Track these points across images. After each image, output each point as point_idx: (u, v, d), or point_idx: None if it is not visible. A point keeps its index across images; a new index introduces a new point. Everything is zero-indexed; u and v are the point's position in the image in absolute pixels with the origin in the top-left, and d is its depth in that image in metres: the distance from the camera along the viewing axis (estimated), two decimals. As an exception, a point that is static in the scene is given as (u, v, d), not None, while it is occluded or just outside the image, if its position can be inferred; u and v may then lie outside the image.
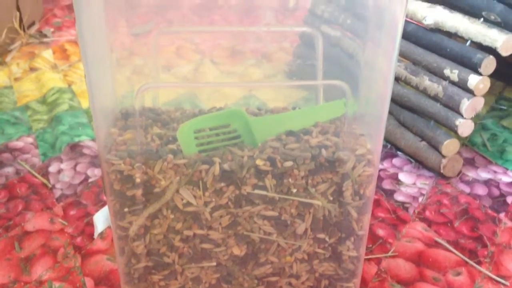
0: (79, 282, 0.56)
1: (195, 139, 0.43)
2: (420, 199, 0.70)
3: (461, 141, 0.78)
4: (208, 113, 0.49)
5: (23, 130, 0.84)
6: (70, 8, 1.41)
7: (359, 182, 0.43)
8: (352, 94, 0.41)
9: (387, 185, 0.73)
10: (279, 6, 0.56)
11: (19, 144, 0.81)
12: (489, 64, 0.67)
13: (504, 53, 0.67)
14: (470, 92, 0.69)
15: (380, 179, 0.74)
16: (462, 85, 0.69)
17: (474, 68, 0.68)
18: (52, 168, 0.75)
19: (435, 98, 0.73)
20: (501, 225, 0.66)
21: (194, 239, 0.44)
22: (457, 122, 0.70)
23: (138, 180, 0.42)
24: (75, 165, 0.75)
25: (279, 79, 0.80)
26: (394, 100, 0.79)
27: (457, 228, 0.65)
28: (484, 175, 0.76)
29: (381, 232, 0.64)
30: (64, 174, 0.74)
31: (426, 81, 0.73)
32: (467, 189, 0.72)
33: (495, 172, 0.77)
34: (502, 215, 0.68)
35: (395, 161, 0.79)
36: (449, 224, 0.66)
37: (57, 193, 0.70)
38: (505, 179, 0.75)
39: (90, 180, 0.72)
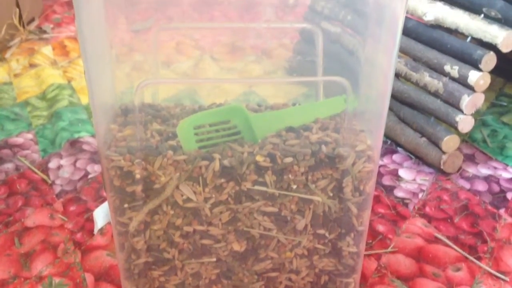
0: (79, 277, 0.56)
1: (195, 135, 0.43)
2: (420, 195, 0.70)
3: (461, 137, 0.78)
4: (208, 109, 0.49)
5: (22, 126, 0.84)
6: (69, 4, 1.41)
7: (359, 178, 0.43)
8: (352, 90, 0.41)
9: (387, 181, 0.73)
10: (279, 2, 0.56)
11: (19, 140, 0.81)
12: (489, 60, 0.67)
13: (505, 49, 0.67)
14: (471, 88, 0.69)
15: (380, 175, 0.74)
16: (462, 81, 0.69)
17: (475, 64, 0.68)
18: (52, 164, 0.75)
19: (435, 94, 0.73)
20: (501, 221, 0.66)
21: (194, 235, 0.44)
22: (457, 118, 0.70)
23: (138, 176, 0.42)
24: (75, 161, 0.75)
25: (279, 76, 0.80)
26: (394, 96, 0.79)
27: (457, 224, 0.65)
28: (484, 171, 0.76)
29: (381, 228, 0.64)
30: (64, 170, 0.74)
31: (426, 77, 0.73)
32: (467, 185, 0.72)
33: (495, 168, 0.77)
34: (502, 211, 0.68)
35: (395, 157, 0.79)
36: (449, 220, 0.66)
37: (57, 189, 0.70)
38: (505, 175, 0.75)
39: (90, 176, 0.72)
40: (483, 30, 0.68)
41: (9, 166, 0.74)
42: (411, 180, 0.74)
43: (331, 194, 0.43)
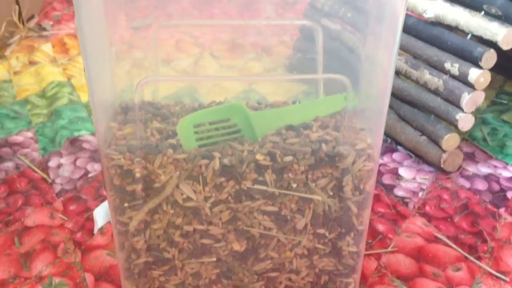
0: (79, 277, 0.56)
1: (195, 133, 0.43)
2: (420, 194, 0.70)
3: (461, 135, 0.78)
4: (208, 107, 0.48)
5: (22, 124, 0.84)
6: (69, 1, 1.41)
7: (359, 177, 0.43)
8: (353, 88, 0.41)
9: (387, 180, 0.73)
10: (279, -1, 0.55)
11: (19, 138, 0.80)
12: (489, 57, 0.67)
13: (505, 46, 0.67)
14: (471, 86, 0.68)
15: (380, 174, 0.74)
16: (462, 79, 0.69)
17: (475, 62, 0.68)
18: (52, 163, 0.75)
19: (435, 92, 0.73)
20: (501, 220, 0.66)
21: (194, 234, 0.44)
22: (457, 117, 0.70)
23: (138, 175, 0.42)
24: (75, 160, 0.75)
25: (279, 73, 0.80)
26: (395, 94, 0.78)
27: (457, 223, 0.65)
28: (484, 169, 0.76)
29: (381, 227, 0.64)
30: (64, 168, 0.73)
31: (426, 75, 0.73)
32: (467, 184, 0.72)
33: (495, 166, 0.76)
34: (502, 210, 0.68)
35: (395, 155, 0.79)
36: (449, 219, 0.66)
37: (57, 188, 0.70)
38: (505, 173, 0.75)
39: (90, 175, 0.72)
40: (484, 28, 0.68)
41: (9, 164, 0.74)
42: (411, 179, 0.73)
43: (331, 193, 0.43)
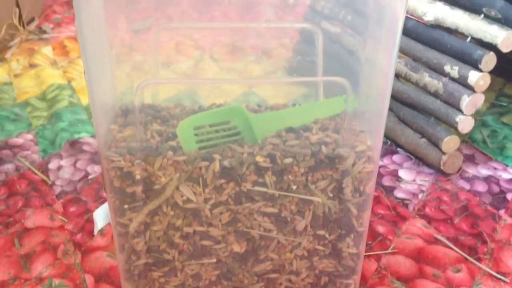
0: (79, 279, 0.56)
1: (195, 135, 0.43)
2: (420, 196, 0.70)
3: (461, 137, 0.78)
4: (208, 109, 0.49)
5: (22, 126, 0.84)
6: (69, 4, 1.41)
7: (359, 178, 0.43)
8: (352, 90, 0.41)
9: (387, 181, 0.73)
10: (279, 2, 0.56)
11: (19, 140, 0.80)
12: (489, 60, 0.67)
13: (505, 49, 0.67)
14: (471, 88, 0.69)
15: (380, 175, 0.74)
16: (462, 82, 0.69)
17: (475, 65, 0.68)
18: (52, 165, 0.75)
19: (435, 94, 0.73)
20: (501, 221, 0.66)
21: (194, 236, 0.44)
22: (457, 119, 0.70)
23: (138, 177, 0.42)
24: (75, 162, 0.75)
25: (279, 76, 0.80)
26: (394, 97, 0.79)
27: (457, 224, 0.65)
28: (484, 171, 0.76)
29: (381, 228, 0.64)
30: (64, 170, 0.74)
31: (426, 78, 0.73)
32: (467, 186, 0.72)
33: (495, 168, 0.77)
34: (502, 211, 0.68)
35: (395, 157, 0.79)
36: (449, 221, 0.66)
37: (57, 189, 0.70)
38: (505, 175, 0.75)
39: (90, 176, 0.72)
40: (483, 30, 0.68)
41: (9, 166, 0.74)
42: (411, 180, 0.74)
43: (331, 195, 0.43)
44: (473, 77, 0.68)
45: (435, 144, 0.73)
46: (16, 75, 1.02)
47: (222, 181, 0.42)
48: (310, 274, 0.47)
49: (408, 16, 0.78)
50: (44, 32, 1.22)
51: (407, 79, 0.77)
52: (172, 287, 0.47)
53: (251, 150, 0.42)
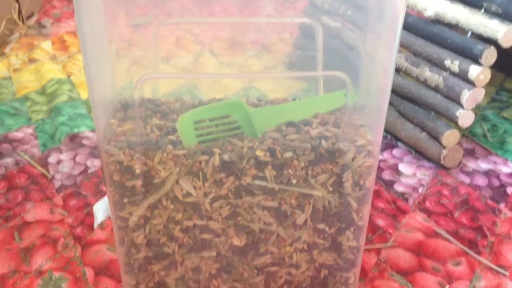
0: (79, 272, 0.56)
1: (194, 130, 0.43)
2: (420, 190, 0.70)
3: (461, 132, 0.78)
4: (208, 104, 0.49)
5: (22, 121, 0.84)
6: (69, -1, 1.41)
7: (359, 172, 0.43)
8: (353, 85, 0.41)
9: (387, 175, 0.73)
10: (279, -4, 0.55)
11: (19, 135, 0.80)
12: (490, 55, 0.67)
13: (505, 44, 0.67)
14: (471, 83, 0.69)
15: (380, 169, 0.74)
16: (462, 76, 0.69)
17: (475, 59, 0.68)
18: (52, 159, 0.75)
19: (435, 89, 0.73)
20: (501, 215, 0.66)
21: (194, 230, 0.44)
22: (457, 113, 0.70)
23: (137, 170, 0.42)
24: (75, 156, 0.75)
25: (279, 70, 0.80)
26: (395, 91, 0.78)
27: (457, 218, 0.65)
28: (484, 165, 0.76)
29: (381, 222, 0.64)
30: (64, 164, 0.74)
31: (426, 72, 0.73)
32: (467, 180, 0.72)
33: (495, 162, 0.77)
34: (502, 205, 0.68)
35: (395, 152, 0.79)
36: (449, 215, 0.66)
37: (57, 183, 0.70)
38: (505, 169, 0.75)
39: (89, 170, 0.72)
40: (484, 25, 0.68)
41: (8, 160, 0.74)
42: (411, 174, 0.74)
43: (331, 189, 0.43)
44: (474, 71, 0.68)
45: (435, 138, 0.73)
46: (15, 70, 1.02)
47: (222, 175, 0.42)
48: (310, 267, 0.47)
49: (409, 11, 0.77)
50: (44, 27, 1.22)
51: (407, 74, 0.77)
52: (172, 280, 0.47)
53: (251, 144, 0.42)
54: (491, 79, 0.69)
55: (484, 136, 0.83)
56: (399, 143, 0.80)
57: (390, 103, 0.79)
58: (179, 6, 0.51)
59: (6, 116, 0.85)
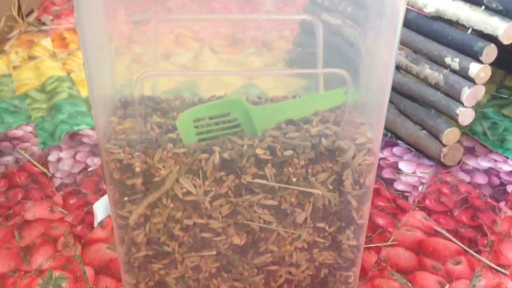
0: (79, 271, 0.56)
1: (194, 128, 0.43)
2: (420, 188, 0.70)
3: (461, 129, 0.78)
4: (208, 101, 0.48)
5: (22, 118, 0.84)
6: (68, -4, 1.40)
7: (359, 171, 0.43)
8: (353, 82, 0.41)
9: (387, 174, 0.73)
10: (279, -7, 0.55)
11: (18, 132, 0.80)
12: (490, 52, 0.67)
13: (506, 41, 0.67)
14: (471, 80, 0.68)
15: (380, 168, 0.74)
16: (463, 74, 0.69)
17: (475, 57, 0.68)
18: (52, 157, 0.75)
19: (435, 86, 0.73)
20: (501, 214, 0.66)
21: (194, 228, 0.44)
22: (457, 111, 0.70)
23: (137, 169, 0.42)
24: (75, 154, 0.75)
25: (279, 68, 0.79)
26: (395, 89, 0.78)
27: (457, 217, 0.65)
28: (484, 164, 0.76)
29: (381, 221, 0.64)
30: (64, 163, 0.73)
31: (427, 70, 0.73)
32: (467, 178, 0.72)
33: (495, 161, 0.76)
34: (502, 204, 0.68)
35: (395, 150, 0.79)
36: (449, 213, 0.66)
37: (57, 182, 0.70)
38: (505, 168, 0.75)
39: (89, 169, 0.72)
40: (484, 22, 0.67)
41: (8, 159, 0.74)
42: (411, 173, 0.73)
43: (331, 187, 0.43)
44: (474, 69, 0.67)
45: (436, 136, 0.73)
46: (15, 67, 1.01)
47: (222, 173, 0.42)
48: (310, 266, 0.47)
49: (409, 8, 0.77)
50: (43, 24, 1.21)
51: (407, 71, 0.77)
52: (172, 279, 0.47)
53: (251, 142, 0.42)
54: (491, 76, 0.69)
55: (484, 134, 0.83)
56: (399, 141, 0.80)
57: (390, 101, 0.79)
58: (178, 3, 0.51)
59: (5, 114, 0.85)
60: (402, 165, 0.75)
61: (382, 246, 0.60)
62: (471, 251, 0.60)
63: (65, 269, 0.56)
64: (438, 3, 0.72)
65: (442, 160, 0.73)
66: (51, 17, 1.25)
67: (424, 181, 0.72)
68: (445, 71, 0.71)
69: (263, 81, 0.76)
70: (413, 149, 0.78)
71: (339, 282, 0.48)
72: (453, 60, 0.70)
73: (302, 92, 0.58)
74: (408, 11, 0.77)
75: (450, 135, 0.71)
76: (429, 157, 0.76)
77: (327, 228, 0.45)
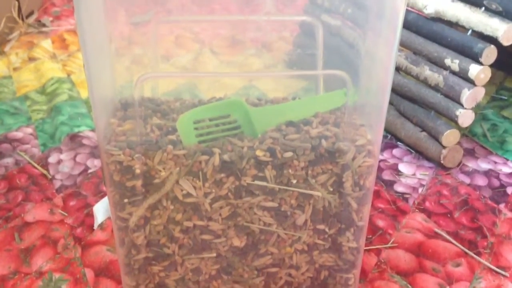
0: (79, 273, 0.56)
1: (194, 129, 0.43)
2: (420, 190, 0.70)
3: (461, 131, 0.78)
4: (208, 103, 0.48)
5: (22, 120, 0.84)
6: (68, -3, 1.40)
7: (359, 173, 0.43)
8: (353, 84, 0.41)
9: (387, 176, 0.73)
10: (279, -5, 0.55)
11: (19, 134, 0.80)
12: (490, 53, 0.67)
13: (506, 42, 0.67)
14: (471, 82, 0.68)
15: (380, 169, 0.74)
16: (463, 75, 0.69)
17: (475, 58, 0.68)
18: (52, 159, 0.75)
19: (435, 88, 0.73)
20: (501, 216, 0.66)
21: (194, 230, 0.44)
22: (457, 112, 0.70)
23: (137, 171, 0.41)
24: (75, 156, 0.75)
25: (279, 69, 0.79)
26: (395, 90, 0.78)
27: (457, 219, 0.65)
28: (484, 165, 0.76)
29: (381, 223, 0.64)
30: (64, 164, 0.73)
31: (426, 71, 0.73)
32: (467, 180, 0.72)
33: (495, 162, 0.76)
34: (502, 206, 0.68)
35: (395, 151, 0.78)
36: (449, 215, 0.66)
37: (57, 184, 0.70)
38: (505, 169, 0.75)
39: (89, 171, 0.72)
40: (484, 23, 0.67)
41: (8, 160, 0.74)
42: (411, 174, 0.73)
43: (331, 189, 0.43)
44: (474, 70, 0.67)
45: (435, 138, 0.73)
46: (15, 69, 1.01)
47: (222, 175, 0.42)
48: (310, 268, 0.47)
49: (409, 9, 0.77)
50: (43, 25, 1.22)
51: (407, 73, 0.77)
52: (172, 281, 0.47)
53: (251, 144, 0.42)
54: (491, 78, 0.69)
55: (484, 135, 0.83)
56: (399, 143, 0.80)
57: (390, 103, 0.79)
58: (178, 4, 0.51)
59: (6, 116, 0.85)
60: (402, 167, 0.75)
61: (382, 248, 0.60)
62: (471, 253, 0.60)
63: (65, 271, 0.56)
64: (438, 4, 0.72)
65: (442, 161, 0.73)
66: (51, 19, 1.25)
67: (424, 183, 0.72)
68: (445, 72, 0.71)
69: (263, 83, 0.76)
70: (413, 151, 0.78)
71: (339, 284, 0.48)
72: (453, 62, 0.70)
73: (302, 93, 0.58)
74: (408, 12, 0.77)
75: (450, 136, 0.71)
76: (429, 159, 0.76)
77: (327, 230, 0.45)
